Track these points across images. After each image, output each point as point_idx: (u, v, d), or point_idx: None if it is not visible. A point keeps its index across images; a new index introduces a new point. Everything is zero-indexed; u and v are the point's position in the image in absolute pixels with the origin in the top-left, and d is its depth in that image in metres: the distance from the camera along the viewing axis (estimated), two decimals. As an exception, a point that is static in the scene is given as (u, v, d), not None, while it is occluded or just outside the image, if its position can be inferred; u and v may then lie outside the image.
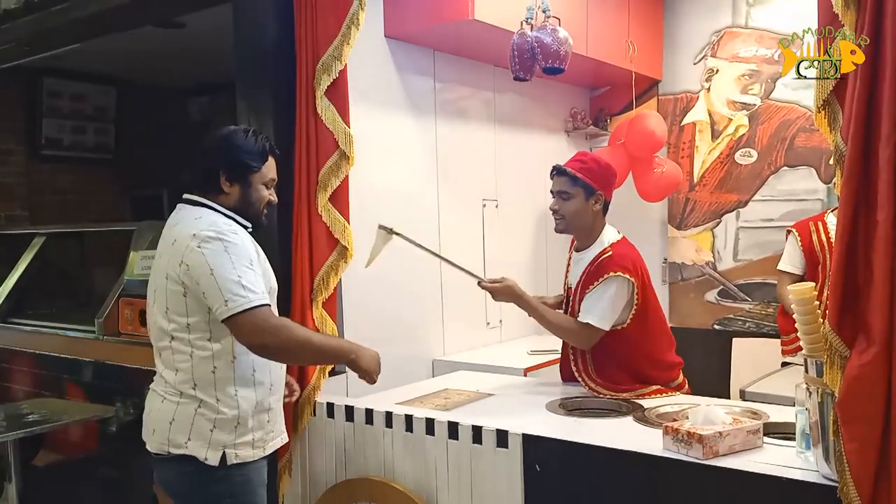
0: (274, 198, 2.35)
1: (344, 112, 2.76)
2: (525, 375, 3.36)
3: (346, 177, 2.78)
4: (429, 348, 3.63)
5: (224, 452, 2.12)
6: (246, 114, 3.00)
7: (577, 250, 2.84)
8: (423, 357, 3.60)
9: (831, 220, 3.45)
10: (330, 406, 2.69)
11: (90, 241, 5.16)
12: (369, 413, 2.58)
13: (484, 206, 3.97)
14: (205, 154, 2.27)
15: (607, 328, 2.65)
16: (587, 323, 2.64)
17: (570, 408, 2.58)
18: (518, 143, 4.24)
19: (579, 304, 2.70)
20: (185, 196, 2.26)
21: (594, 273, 2.67)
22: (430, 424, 2.44)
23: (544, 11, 3.15)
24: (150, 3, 3.72)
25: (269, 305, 2.10)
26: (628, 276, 2.64)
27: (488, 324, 3.99)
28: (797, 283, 1.86)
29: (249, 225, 2.26)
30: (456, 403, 2.69)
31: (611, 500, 2.14)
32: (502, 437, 2.27)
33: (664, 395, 2.69)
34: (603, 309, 2.63)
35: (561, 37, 3.11)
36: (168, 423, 2.14)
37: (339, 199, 2.79)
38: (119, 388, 3.67)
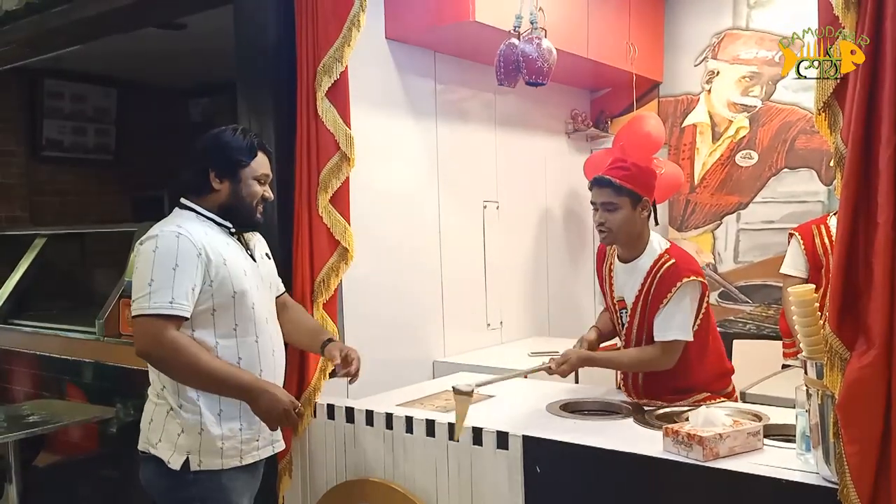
0: (269, 194, 2.32)
1: (345, 113, 2.76)
2: (526, 377, 3.35)
3: (347, 178, 2.78)
4: (429, 350, 3.63)
5: (188, 458, 2.11)
6: (247, 115, 3.01)
7: (624, 260, 2.67)
8: (423, 358, 3.60)
9: (834, 224, 3.41)
10: (330, 407, 2.69)
11: (91, 242, 5.17)
12: (370, 414, 2.58)
13: (485, 207, 3.98)
14: (195, 155, 2.27)
15: (692, 338, 2.52)
16: (672, 340, 2.51)
17: (570, 409, 2.57)
18: (519, 145, 4.25)
19: (645, 318, 2.57)
20: (181, 201, 2.27)
21: (663, 284, 2.52)
22: (430, 426, 2.44)
23: (532, 23, 3.17)
24: (150, 4, 3.72)
25: (177, 317, 2.03)
26: (701, 279, 2.54)
27: (489, 325, 3.99)
28: (797, 286, 1.86)
29: (230, 225, 2.25)
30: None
31: (611, 502, 2.14)
32: (503, 439, 2.27)
33: (712, 402, 2.56)
34: (683, 319, 2.50)
35: (545, 50, 3.13)
36: (147, 423, 2.20)
37: (340, 200, 2.79)
38: (119, 389, 3.67)
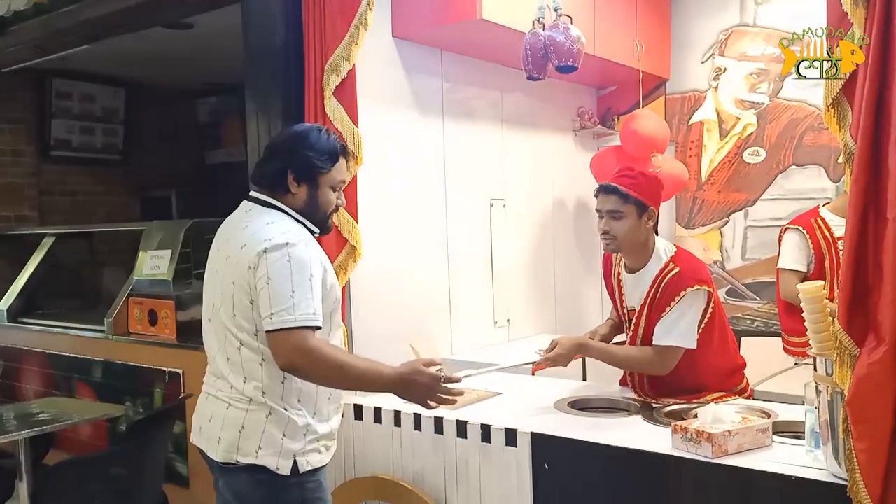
0: (342, 201, 2.23)
1: (352, 112, 2.77)
2: (533, 374, 3.35)
3: (355, 176, 2.79)
4: (437, 347, 3.63)
5: (295, 461, 2.04)
6: (255, 114, 3.02)
7: (631, 271, 2.66)
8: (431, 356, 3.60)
9: (826, 215, 3.35)
10: (339, 405, 2.70)
11: (99, 241, 5.20)
12: (378, 412, 2.59)
13: (491, 205, 3.98)
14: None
15: (694, 345, 2.51)
16: (668, 346, 2.50)
17: (578, 406, 2.58)
18: (525, 143, 4.24)
19: (650, 326, 2.56)
20: (253, 194, 2.15)
21: (667, 293, 2.51)
22: (438, 423, 2.44)
23: (555, 10, 3.16)
24: (158, 4, 3.73)
25: (315, 328, 1.97)
26: (706, 288, 2.52)
27: (496, 323, 3.99)
28: (806, 283, 1.86)
29: (317, 230, 2.16)
30: (464, 402, 2.69)
31: (619, 499, 2.14)
32: (511, 436, 2.28)
33: (727, 400, 2.56)
34: (685, 328, 2.49)
35: (574, 35, 3.11)
36: (237, 431, 2.04)
37: (348, 198, 2.77)
38: (129, 387, 3.70)
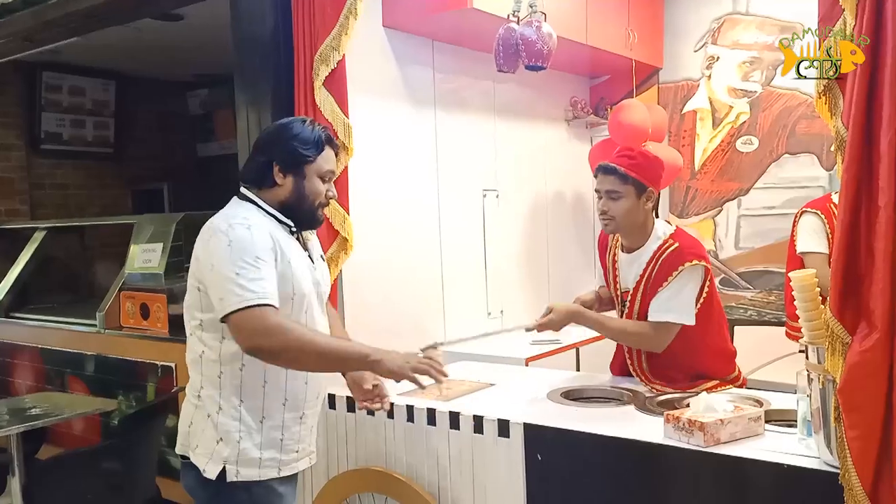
0: (333, 192, 2.16)
1: (343, 103, 2.76)
2: (526, 365, 3.35)
3: (346, 168, 2.78)
4: (430, 339, 3.61)
5: (224, 467, 1.96)
6: (245, 105, 3.00)
7: (628, 250, 2.64)
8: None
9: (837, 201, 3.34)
10: (331, 397, 2.69)
11: (90, 234, 5.18)
12: (371, 404, 2.58)
13: (484, 196, 3.97)
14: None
15: (692, 322, 2.48)
16: (664, 322, 2.48)
17: (571, 397, 2.57)
18: (518, 133, 4.23)
19: (645, 303, 2.54)
20: (241, 191, 2.11)
21: (665, 268, 2.50)
22: (431, 414, 2.44)
23: (531, 6, 3.15)
24: (147, -5, 3.71)
25: (271, 306, 1.88)
26: (703, 263, 2.50)
27: (489, 314, 3.99)
28: (798, 270, 1.85)
29: (291, 224, 2.09)
30: (457, 394, 2.69)
31: (612, 489, 2.14)
32: (504, 427, 2.27)
33: (721, 389, 2.55)
34: (683, 303, 2.48)
35: (545, 33, 3.11)
36: (187, 426, 2.04)
37: (339, 190, 2.77)
38: (121, 381, 3.69)
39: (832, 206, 3.32)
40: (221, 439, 1.97)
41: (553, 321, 2.51)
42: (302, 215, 2.10)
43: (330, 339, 2.03)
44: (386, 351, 2.01)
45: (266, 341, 1.86)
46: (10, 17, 4.17)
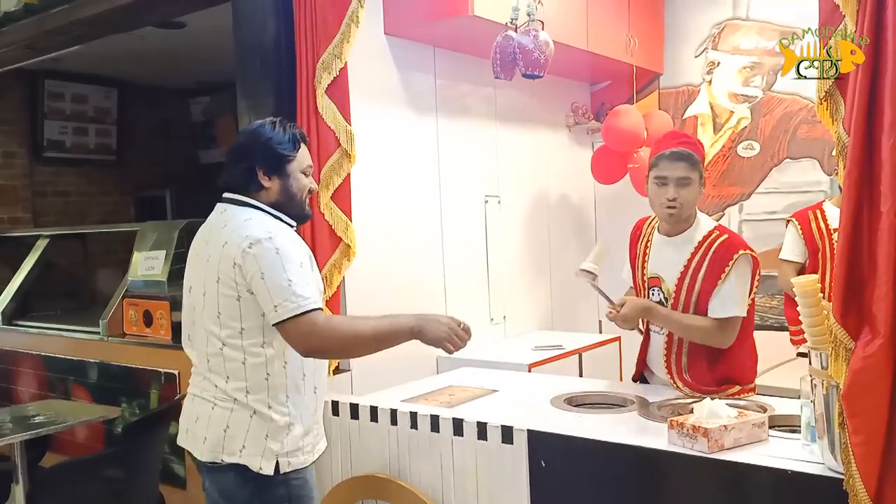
0: (314, 185, 2.27)
1: (345, 110, 2.76)
2: (529, 371, 3.35)
3: (349, 175, 2.78)
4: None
5: (277, 461, 2.05)
6: (247, 112, 3.00)
7: (668, 234, 2.59)
8: (427, 354, 3.58)
9: (828, 209, 3.49)
10: (335, 404, 2.69)
11: (93, 242, 5.18)
12: (374, 410, 2.58)
13: (486, 202, 3.97)
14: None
15: (745, 313, 2.46)
16: (732, 317, 2.45)
17: (575, 403, 2.57)
18: (520, 139, 4.24)
19: (691, 294, 2.50)
20: (227, 196, 2.17)
21: (718, 259, 2.46)
22: (434, 421, 2.44)
23: (529, 14, 3.17)
24: (149, 3, 3.72)
25: (320, 309, 2.02)
26: (753, 254, 2.47)
27: (492, 320, 3.99)
28: (801, 276, 1.85)
29: (294, 223, 2.19)
30: (460, 400, 2.69)
31: (616, 495, 2.14)
32: (507, 433, 2.27)
33: (742, 396, 2.52)
34: (741, 294, 2.44)
35: (542, 42, 3.13)
36: (223, 431, 2.05)
37: (342, 197, 2.79)
38: (124, 388, 3.68)
39: (815, 212, 3.46)
40: (268, 436, 2.05)
41: (627, 315, 2.49)
42: (293, 211, 2.19)
43: (372, 323, 2.13)
44: (426, 318, 2.17)
45: (322, 343, 2.01)
46: (13, 25, 4.19)
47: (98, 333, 3.86)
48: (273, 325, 1.99)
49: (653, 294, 2.62)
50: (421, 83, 3.57)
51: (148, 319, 3.71)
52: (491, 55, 3.21)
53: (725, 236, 2.51)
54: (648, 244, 2.66)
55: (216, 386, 2.08)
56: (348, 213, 2.80)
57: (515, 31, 3.19)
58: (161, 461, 3.25)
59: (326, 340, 2.02)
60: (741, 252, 2.45)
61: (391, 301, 3.33)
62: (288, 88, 2.85)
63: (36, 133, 5.64)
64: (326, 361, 2.33)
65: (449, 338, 2.15)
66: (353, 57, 2.76)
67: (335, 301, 2.82)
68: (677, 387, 2.59)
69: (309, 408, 2.14)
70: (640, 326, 2.71)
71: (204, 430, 2.08)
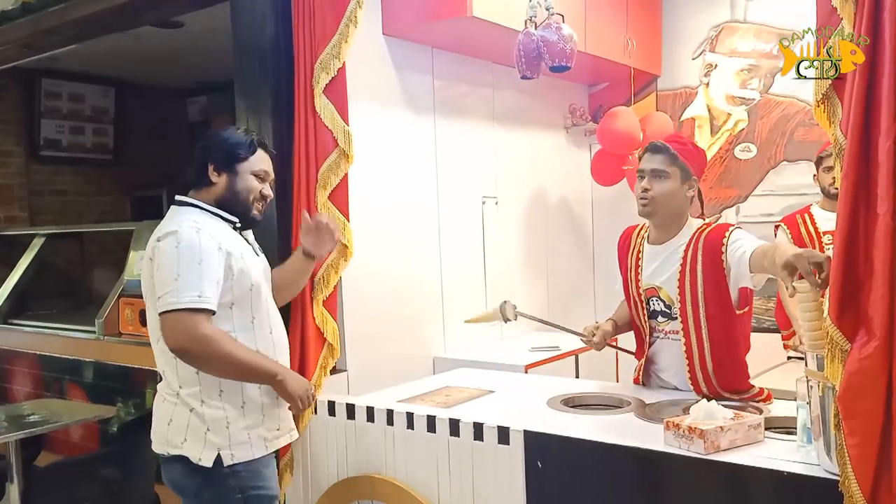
0: (268, 191, 2.35)
1: (343, 110, 2.76)
2: (526, 372, 3.35)
3: (346, 175, 2.78)
4: (430, 346, 3.63)
5: (219, 454, 2.12)
6: (245, 113, 3.00)
7: (657, 242, 2.53)
8: (423, 354, 3.60)
9: (816, 212, 3.52)
10: (331, 404, 2.69)
11: (90, 241, 5.18)
12: (370, 411, 2.58)
13: (483, 203, 3.97)
14: (198, 151, 2.31)
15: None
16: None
17: (571, 404, 2.57)
18: (517, 140, 4.24)
19: (697, 292, 2.40)
20: (176, 197, 2.29)
21: (710, 245, 2.37)
22: (431, 422, 2.44)
23: (547, 9, 3.16)
24: (147, 3, 3.71)
25: (207, 311, 2.04)
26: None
27: (489, 321, 3.99)
28: (802, 281, 1.85)
29: (236, 220, 2.27)
30: (457, 401, 2.69)
31: (612, 496, 2.14)
32: (503, 434, 2.27)
33: (768, 400, 2.46)
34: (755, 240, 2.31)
35: (566, 34, 3.13)
36: (166, 424, 2.17)
37: (339, 197, 2.78)
38: (120, 388, 3.68)
39: (804, 216, 3.48)
40: (209, 429, 2.12)
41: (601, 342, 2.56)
42: (237, 210, 2.27)
43: (245, 352, 2.16)
44: (290, 373, 2.28)
45: (194, 346, 2.03)
46: (10, 24, 4.18)
47: (94, 333, 3.85)
48: (158, 315, 2.05)
49: (652, 304, 2.55)
50: (419, 84, 3.57)
51: (144, 319, 3.70)
52: (515, 56, 3.20)
53: (712, 226, 2.46)
54: (640, 255, 2.59)
55: (164, 380, 2.20)
56: (346, 214, 2.79)
57: (535, 28, 3.19)
58: (156, 461, 3.24)
59: (200, 346, 2.03)
60: (730, 229, 2.39)
61: (389, 301, 3.34)
62: (286, 88, 2.84)
63: (33, 132, 5.63)
64: (286, 354, 2.39)
65: (303, 397, 2.25)
66: (351, 57, 2.76)
67: (332, 301, 2.81)
68: (704, 395, 2.43)
69: (254, 401, 2.20)
70: (605, 341, 2.68)
71: (155, 422, 2.21)
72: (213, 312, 2.07)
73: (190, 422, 2.13)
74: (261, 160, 2.32)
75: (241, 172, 2.27)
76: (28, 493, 2.98)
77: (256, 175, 2.29)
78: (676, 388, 2.58)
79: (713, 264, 2.38)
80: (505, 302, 2.81)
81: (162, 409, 2.20)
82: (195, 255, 2.06)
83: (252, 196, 2.29)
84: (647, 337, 2.60)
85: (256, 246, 2.41)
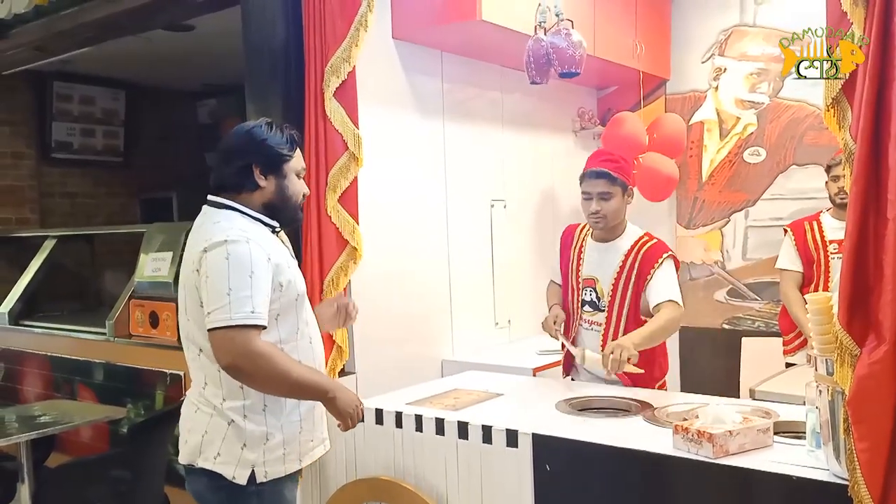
0: (307, 189, 2.24)
1: (353, 113, 2.77)
2: (534, 375, 3.36)
3: (356, 178, 2.79)
4: (438, 349, 3.63)
5: (253, 471, 2.02)
6: (255, 116, 3.01)
7: (601, 240, 2.90)
8: (432, 357, 3.60)
9: (826, 220, 3.49)
10: (340, 406, 2.69)
11: (100, 243, 5.20)
12: (379, 413, 2.59)
13: (492, 206, 3.98)
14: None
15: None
16: (675, 301, 2.72)
17: (579, 407, 2.57)
18: (526, 144, 4.25)
19: (626, 293, 2.79)
20: (210, 198, 2.14)
21: (647, 259, 2.78)
22: (440, 424, 2.44)
23: (557, 15, 3.17)
24: (158, 6, 3.74)
25: (259, 327, 1.93)
26: (675, 257, 2.82)
27: (497, 324, 3.99)
28: (815, 293, 1.85)
29: (276, 225, 2.14)
30: (465, 403, 2.70)
31: (621, 500, 2.14)
32: (512, 437, 2.28)
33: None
34: (677, 286, 2.76)
35: (575, 40, 3.14)
36: (200, 436, 2.05)
37: (349, 200, 2.80)
38: (130, 389, 3.70)
39: (812, 223, 3.47)
40: (245, 444, 2.01)
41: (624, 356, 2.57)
42: (286, 213, 2.16)
43: (300, 369, 2.05)
44: (343, 389, 2.11)
45: (247, 364, 1.91)
46: (23, 27, 4.22)
47: (104, 334, 3.87)
48: (207, 330, 1.93)
49: (585, 294, 2.90)
50: (428, 87, 3.58)
51: (154, 321, 3.72)
52: (524, 62, 3.21)
53: (654, 241, 2.83)
54: (582, 249, 2.95)
55: (199, 391, 2.08)
56: (355, 216, 2.81)
57: (545, 34, 3.20)
58: (166, 462, 3.26)
59: (254, 364, 1.91)
60: (665, 254, 2.78)
61: (397, 304, 3.34)
62: (296, 92, 2.86)
63: (44, 134, 5.66)
64: (323, 364, 2.27)
65: (354, 414, 2.10)
66: (361, 61, 2.77)
67: (341, 303, 2.82)
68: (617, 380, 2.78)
69: (292, 418, 2.09)
70: (562, 338, 2.88)
71: (186, 433, 2.09)
72: (265, 327, 1.96)
73: (227, 435, 2.02)
74: (299, 157, 2.18)
75: (288, 174, 2.12)
76: (39, 494, 3.00)
77: (298, 175, 2.17)
78: (604, 381, 2.85)
79: (640, 277, 2.79)
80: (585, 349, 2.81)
81: (195, 420, 2.07)
82: (246, 268, 1.94)
83: (300, 198, 2.17)
84: (573, 323, 2.95)
85: (290, 248, 2.27)
